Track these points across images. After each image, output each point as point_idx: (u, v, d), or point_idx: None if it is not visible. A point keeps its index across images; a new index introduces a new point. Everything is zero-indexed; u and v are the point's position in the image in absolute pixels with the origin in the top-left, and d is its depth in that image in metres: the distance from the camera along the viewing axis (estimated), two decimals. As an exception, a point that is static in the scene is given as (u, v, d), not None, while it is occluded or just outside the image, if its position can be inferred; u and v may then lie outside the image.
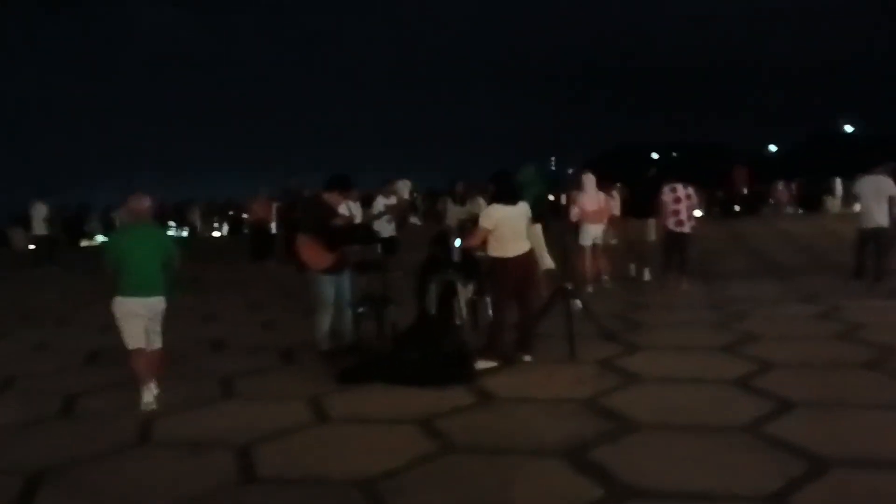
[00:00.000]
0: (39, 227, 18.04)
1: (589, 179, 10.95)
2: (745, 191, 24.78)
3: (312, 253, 6.94)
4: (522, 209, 6.69)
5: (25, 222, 21.21)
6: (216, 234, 27.22)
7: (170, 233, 16.49)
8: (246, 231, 18.62)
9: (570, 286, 7.28)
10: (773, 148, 66.73)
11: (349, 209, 7.94)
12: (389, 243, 10.71)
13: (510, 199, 6.64)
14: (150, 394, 5.91)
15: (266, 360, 7.49)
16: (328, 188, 7.28)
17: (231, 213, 27.17)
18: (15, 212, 26.88)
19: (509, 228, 6.55)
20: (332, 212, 7.16)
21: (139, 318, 5.88)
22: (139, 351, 5.92)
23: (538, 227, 7.28)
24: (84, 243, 25.56)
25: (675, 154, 67.35)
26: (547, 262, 7.57)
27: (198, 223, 25.87)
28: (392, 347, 6.86)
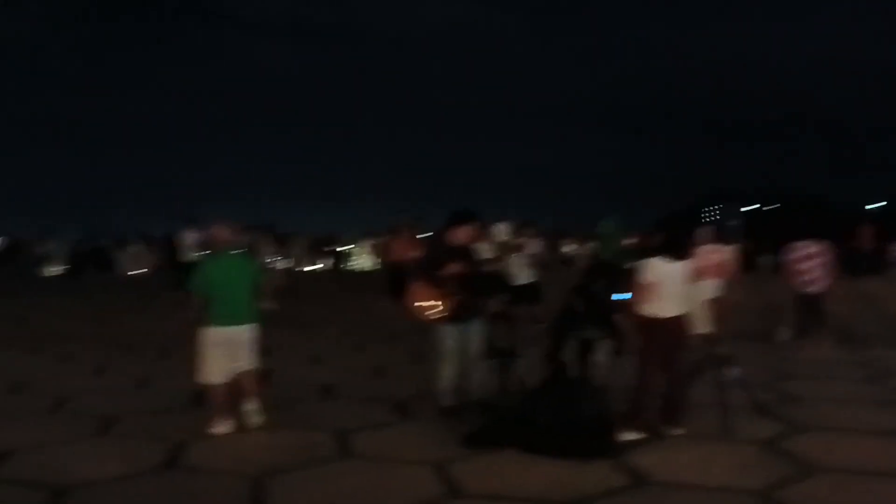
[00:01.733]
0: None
1: (706, 233, 10.11)
2: (870, 249, 23.17)
3: (427, 299, 6.30)
4: (688, 266, 5.96)
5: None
6: (315, 267, 27.23)
7: (273, 264, 16.33)
8: (380, 268, 18.24)
9: (723, 351, 6.47)
10: (873, 203, 63.35)
11: (479, 251, 7.18)
12: (528, 291, 9.79)
13: (679, 253, 5.92)
14: (222, 425, 6.03)
15: (381, 412, 6.91)
16: (452, 225, 6.58)
17: (334, 248, 27.19)
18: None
19: (670, 286, 5.83)
20: (456, 253, 6.53)
21: (225, 349, 5.98)
22: (217, 386, 6.05)
23: (703, 287, 6.49)
24: (179, 270, 25.94)
25: (763, 206, 64.81)
26: (701, 324, 6.77)
27: (300, 256, 25.88)
28: (522, 409, 6.17)
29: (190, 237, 18.26)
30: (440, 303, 6.25)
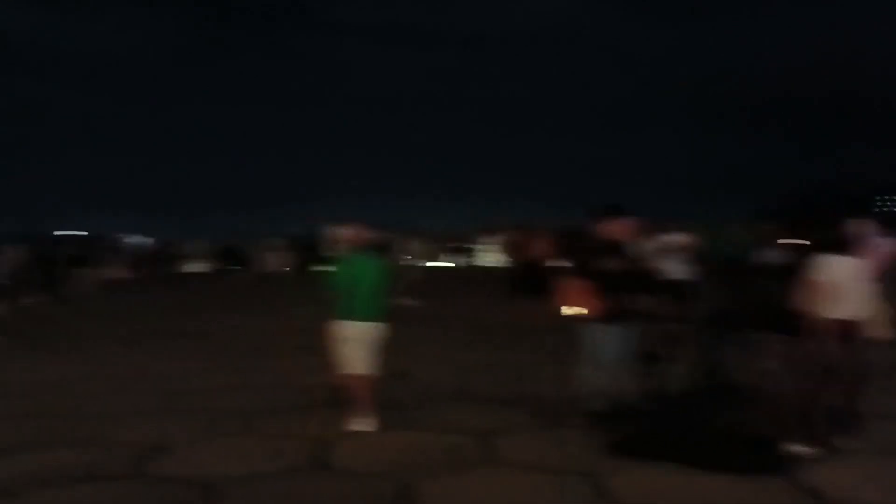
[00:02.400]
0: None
1: (866, 226, 8.91)
2: None
3: (579, 298, 6.00)
4: (864, 264, 5.41)
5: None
6: (442, 264, 27.33)
7: (408, 262, 16.43)
8: (509, 265, 18.01)
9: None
10: None
11: (633, 247, 6.73)
12: (676, 288, 9.11)
13: (843, 248, 5.39)
14: (365, 416, 6.13)
15: (522, 415, 6.67)
16: (602, 218, 6.23)
17: (461, 245, 27.19)
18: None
19: (845, 286, 5.29)
20: (608, 248, 6.16)
21: (359, 343, 6.12)
22: (356, 375, 6.16)
23: (876, 287, 5.87)
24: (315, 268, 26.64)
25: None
26: (877, 327, 6.13)
27: (427, 253, 26.05)
28: (674, 416, 5.79)
29: (331, 235, 18.64)
30: (592, 302, 5.93)
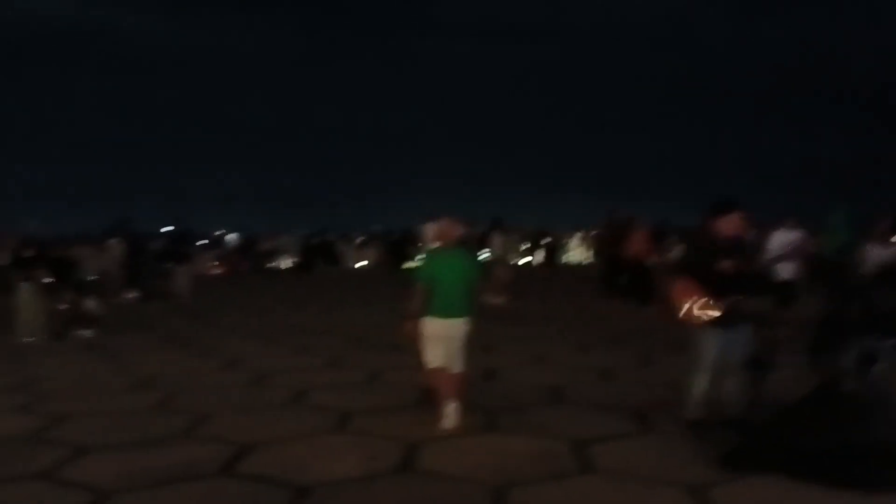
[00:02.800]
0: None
1: None
2: None
3: (694, 300, 5.60)
4: None
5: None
6: (528, 261, 27.00)
7: (482, 257, 16.21)
8: (603, 261, 17.56)
9: None
10: None
11: (748, 245, 6.27)
12: (785, 290, 8.55)
13: None
14: (450, 414, 6.11)
15: (617, 422, 6.39)
16: (717, 214, 5.79)
17: (547, 241, 26.78)
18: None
19: None
20: (725, 247, 5.70)
21: (444, 340, 6.12)
22: (439, 370, 6.17)
23: None
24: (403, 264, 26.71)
25: None
26: None
27: (513, 249, 25.75)
28: (786, 427, 5.40)
29: (419, 231, 18.60)
30: (709, 305, 5.56)
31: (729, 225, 5.75)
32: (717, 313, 5.53)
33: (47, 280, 12.03)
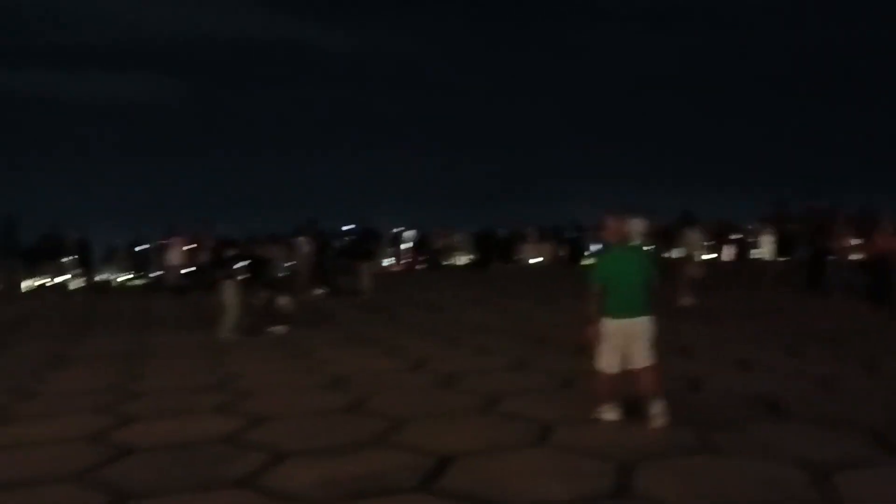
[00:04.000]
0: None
1: None
2: None
3: None
4: None
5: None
6: (712, 257, 25.44)
7: (678, 254, 15.29)
8: (805, 256, 16.22)
9: None
10: None
11: None
12: None
13: None
14: (608, 410, 6.09)
15: (854, 444, 5.53)
16: None
17: (734, 236, 25.16)
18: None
19: None
20: None
21: (619, 341, 5.96)
22: (606, 374, 6.07)
23: None
24: (578, 261, 26.01)
25: None
26: None
27: (699, 245, 24.33)
28: None
29: (596, 226, 17.96)
30: None
31: None
32: None
33: (245, 278, 12.54)
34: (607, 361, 6.07)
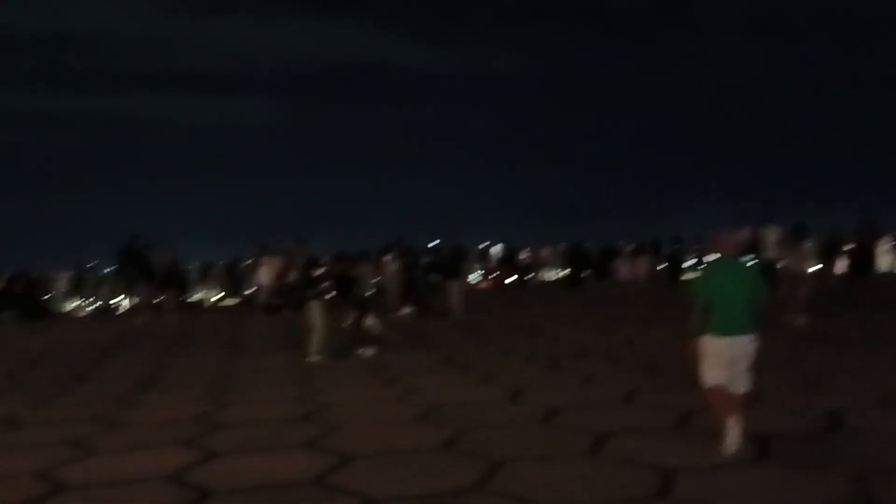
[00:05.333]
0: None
1: None
2: None
3: None
4: None
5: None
6: (817, 268, 23.71)
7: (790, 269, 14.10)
8: None
9: None
10: None
11: None
12: None
13: None
14: (733, 437, 5.60)
15: None
16: None
17: (850, 247, 23.42)
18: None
19: None
20: None
21: (726, 360, 5.64)
22: (717, 388, 5.68)
23: None
24: (677, 276, 24.79)
25: None
26: None
27: (811, 260, 22.72)
28: None
29: (698, 240, 16.80)
30: None
31: None
32: None
33: (333, 297, 12.17)
34: (711, 374, 5.71)
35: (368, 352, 11.88)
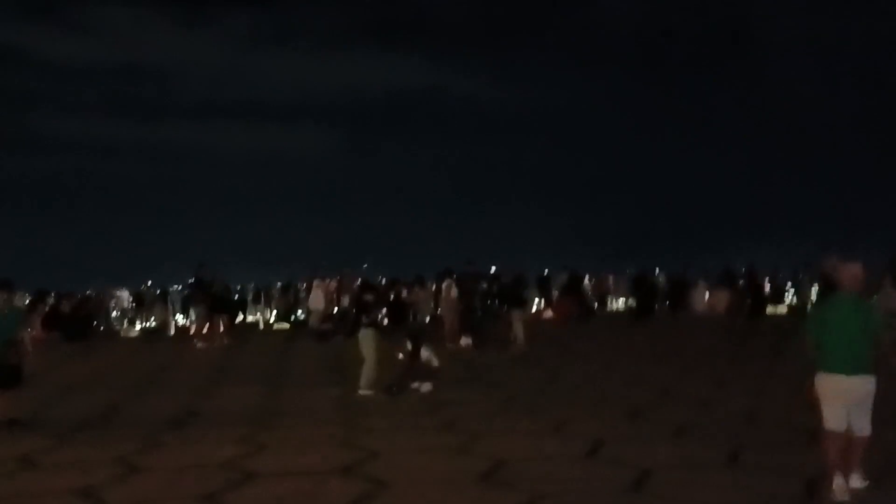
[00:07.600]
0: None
1: None
2: None
3: None
4: None
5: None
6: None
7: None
8: None
9: None
10: None
11: None
12: None
13: None
14: (841, 485, 5.26)
15: None
16: None
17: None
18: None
19: None
20: None
21: (838, 399, 5.39)
22: (834, 433, 5.39)
23: None
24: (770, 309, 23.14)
25: None
26: None
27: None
28: None
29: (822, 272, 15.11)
30: None
31: None
32: None
33: (385, 325, 11.10)
34: (832, 417, 5.40)
35: (425, 387, 10.75)
